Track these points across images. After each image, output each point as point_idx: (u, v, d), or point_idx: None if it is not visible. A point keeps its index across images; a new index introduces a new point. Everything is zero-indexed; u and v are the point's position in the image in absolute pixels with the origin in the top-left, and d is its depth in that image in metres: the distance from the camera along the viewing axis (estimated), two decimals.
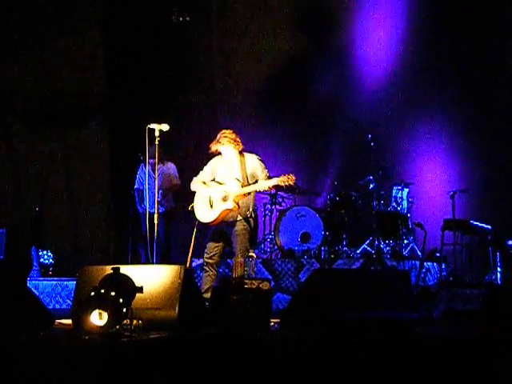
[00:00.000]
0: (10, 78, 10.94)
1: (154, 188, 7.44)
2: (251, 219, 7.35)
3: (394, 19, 11.03)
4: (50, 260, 10.18)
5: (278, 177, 7.08)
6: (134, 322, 5.54)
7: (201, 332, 5.82)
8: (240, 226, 7.27)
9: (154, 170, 7.60)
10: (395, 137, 10.82)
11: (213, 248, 7.33)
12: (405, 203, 9.84)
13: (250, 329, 5.89)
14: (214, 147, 7.33)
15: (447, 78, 10.62)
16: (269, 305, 6.31)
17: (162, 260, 8.48)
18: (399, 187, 9.85)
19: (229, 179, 7.25)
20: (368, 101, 10.98)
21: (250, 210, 7.34)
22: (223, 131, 7.30)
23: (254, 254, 7.24)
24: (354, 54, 11.25)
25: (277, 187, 7.40)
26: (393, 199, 9.84)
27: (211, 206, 7.29)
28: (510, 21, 10.34)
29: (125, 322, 5.48)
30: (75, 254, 10.84)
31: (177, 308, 5.82)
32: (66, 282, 8.88)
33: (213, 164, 7.47)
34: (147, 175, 8.83)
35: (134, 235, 9.94)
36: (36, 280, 9.22)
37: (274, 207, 10.03)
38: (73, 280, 7.58)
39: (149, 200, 8.46)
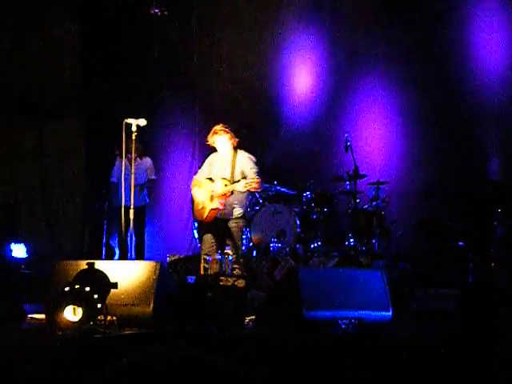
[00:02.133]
0: None
1: (130, 182, 7.41)
2: (241, 220, 7.54)
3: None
4: (24, 253, 10.09)
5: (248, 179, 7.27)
6: (109, 317, 5.52)
7: (175, 329, 5.80)
8: (233, 225, 7.48)
9: (131, 165, 7.57)
10: (371, 135, 10.85)
11: (209, 242, 7.48)
12: (380, 202, 9.87)
13: (224, 326, 5.88)
14: (210, 138, 7.52)
15: (421, 79, 10.67)
16: (244, 302, 6.32)
17: (137, 256, 8.46)
18: (374, 186, 9.89)
19: (218, 177, 7.44)
20: (344, 98, 11.04)
21: (241, 211, 7.53)
22: (219, 124, 7.52)
23: (229, 251, 7.26)
24: (333, 50, 11.28)
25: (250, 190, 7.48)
26: (368, 198, 9.88)
27: (203, 205, 7.48)
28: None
29: (99, 317, 5.46)
30: (48, 248, 10.74)
31: (151, 304, 5.80)
32: (39, 276, 8.78)
33: (209, 161, 7.69)
34: (124, 169, 8.78)
35: (108, 230, 9.89)
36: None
37: (250, 204, 10.00)
38: (46, 274, 7.50)
39: (125, 194, 8.41)
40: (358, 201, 9.74)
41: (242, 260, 7.44)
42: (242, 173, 7.43)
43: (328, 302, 6.02)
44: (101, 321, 5.47)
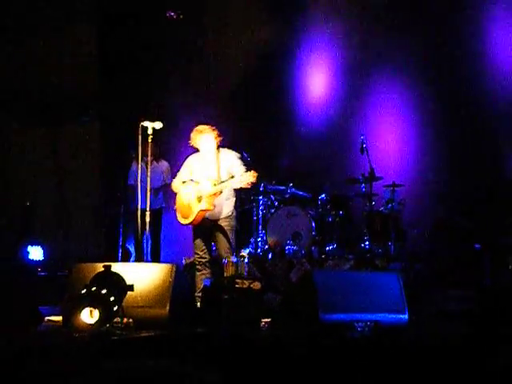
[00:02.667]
0: (0, 73, 10.88)
1: (146, 185, 7.42)
2: (232, 217, 7.37)
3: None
4: (41, 256, 10.14)
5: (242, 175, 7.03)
6: (125, 320, 5.54)
7: (191, 331, 5.81)
8: (222, 225, 7.30)
9: (147, 168, 7.59)
10: (387, 138, 10.83)
11: (201, 247, 7.35)
12: (396, 204, 9.84)
13: (240, 328, 5.89)
14: (194, 140, 7.34)
15: (438, 83, 10.64)
16: (259, 304, 6.32)
17: (153, 258, 8.48)
18: (390, 188, 9.86)
19: (203, 178, 7.24)
20: (360, 101, 11.02)
21: (230, 209, 7.37)
22: (200, 125, 7.36)
23: (245, 254, 7.24)
24: (348, 50, 11.27)
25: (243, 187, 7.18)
26: (384, 200, 9.85)
27: (189, 207, 7.28)
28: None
29: (115, 320, 5.48)
30: (65, 250, 10.79)
31: (167, 306, 5.82)
32: (56, 278, 8.82)
33: (189, 162, 7.49)
34: (139, 172, 8.80)
35: (124, 232, 9.91)
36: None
37: (265, 206, 10.01)
38: (63, 276, 7.55)
39: (141, 197, 8.43)
40: (373, 203, 9.73)
41: (251, 261, 7.35)
42: (228, 171, 7.27)
43: (344, 304, 6.02)
44: (117, 323, 5.49)
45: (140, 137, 7.12)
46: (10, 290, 6.38)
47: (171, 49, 11.48)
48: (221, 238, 7.27)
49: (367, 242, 9.51)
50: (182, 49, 11.56)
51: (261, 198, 10.02)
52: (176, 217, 7.46)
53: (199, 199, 7.17)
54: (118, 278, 5.64)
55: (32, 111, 11.09)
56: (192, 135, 7.35)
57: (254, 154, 10.16)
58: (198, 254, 7.34)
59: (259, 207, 10.06)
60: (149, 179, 7.39)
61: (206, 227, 7.31)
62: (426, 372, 4.45)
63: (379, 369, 4.58)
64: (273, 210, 9.91)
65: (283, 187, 10.17)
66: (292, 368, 4.61)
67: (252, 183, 6.99)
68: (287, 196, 10.17)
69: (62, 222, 11.20)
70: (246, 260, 7.15)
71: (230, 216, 7.36)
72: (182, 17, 11.16)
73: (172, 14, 11.26)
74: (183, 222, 7.33)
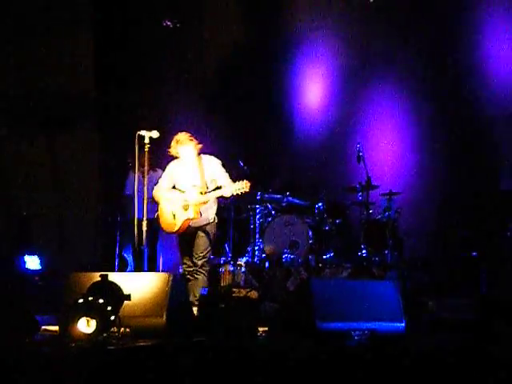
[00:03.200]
0: None
1: (143, 195, 7.41)
2: (213, 224, 7.33)
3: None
4: (38, 266, 10.12)
5: (233, 184, 7.04)
6: (122, 329, 5.52)
7: (189, 340, 5.80)
8: (203, 231, 7.25)
9: (144, 177, 7.57)
10: (384, 146, 10.84)
11: (187, 256, 7.32)
12: (392, 213, 9.85)
13: (237, 337, 5.88)
14: (173, 149, 7.27)
15: (434, 90, 10.65)
16: (256, 313, 6.31)
17: (150, 268, 8.47)
18: (387, 196, 9.87)
19: (188, 186, 7.20)
20: (356, 108, 11.04)
21: (213, 214, 7.31)
22: (179, 133, 7.28)
23: (242, 263, 7.24)
24: (345, 57, 11.30)
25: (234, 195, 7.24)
26: (381, 208, 9.86)
27: (174, 216, 7.24)
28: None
29: (113, 329, 5.47)
30: (62, 260, 10.77)
31: (165, 316, 5.81)
32: (52, 288, 8.79)
33: (170, 170, 7.44)
34: (136, 182, 8.79)
35: (121, 242, 9.90)
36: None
37: (262, 215, 10.00)
38: (60, 286, 7.52)
39: (138, 207, 8.42)
40: (370, 211, 9.74)
41: (248, 270, 7.31)
42: (211, 178, 7.24)
43: (341, 313, 6.02)
44: (114, 332, 5.47)
45: (137, 146, 7.10)
46: (6, 299, 6.37)
47: (169, 57, 11.49)
48: (198, 242, 7.22)
49: (364, 251, 9.51)
50: (181, 57, 11.58)
51: (258, 206, 10.02)
52: (158, 224, 7.40)
53: (185, 208, 7.13)
54: (115, 288, 5.62)
55: (28, 121, 11.08)
56: (171, 144, 7.29)
57: (250, 163, 10.20)
58: (186, 264, 7.32)
59: (256, 216, 10.05)
60: (145, 188, 7.37)
61: (190, 235, 7.28)
62: (422, 380, 4.45)
63: (376, 377, 4.57)
64: (270, 219, 9.91)
65: (280, 196, 10.17)
66: (289, 377, 4.60)
67: (245, 192, 6.99)
68: (284, 205, 10.17)
69: (58, 231, 11.18)
70: (243, 269, 7.15)
71: (211, 223, 7.31)
72: (178, 25, 11.18)
73: (168, 22, 11.29)
74: (168, 230, 7.30)
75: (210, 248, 7.27)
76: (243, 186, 6.92)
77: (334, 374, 4.66)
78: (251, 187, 7.07)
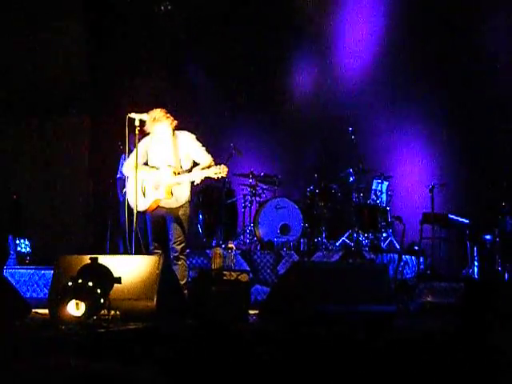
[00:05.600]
0: None
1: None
2: (187, 206, 6.99)
3: (374, 14, 11.03)
4: (28, 248, 10.10)
5: (209, 168, 6.73)
6: (112, 312, 5.52)
7: (179, 323, 5.81)
8: (176, 213, 6.89)
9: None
10: (375, 130, 10.82)
11: (156, 237, 7.00)
12: (384, 196, 9.86)
13: (228, 320, 5.89)
14: (150, 126, 6.90)
15: (425, 73, 10.61)
16: (247, 296, 6.32)
17: (141, 250, 8.43)
18: (379, 180, 9.88)
19: (162, 165, 6.89)
20: (349, 94, 10.99)
21: (186, 197, 6.96)
22: (155, 110, 6.92)
23: (233, 246, 7.22)
24: (334, 47, 11.25)
25: (209, 178, 6.89)
26: (372, 192, 9.87)
27: (143, 193, 6.93)
28: (488, 13, 10.35)
29: (102, 312, 5.46)
30: (53, 243, 10.76)
31: (155, 299, 5.80)
32: (43, 271, 8.78)
33: (144, 145, 7.05)
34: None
35: (112, 225, 9.88)
36: (13, 268, 9.14)
37: (253, 199, 10.01)
38: (50, 269, 7.51)
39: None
40: (362, 195, 9.75)
41: (239, 253, 7.14)
42: (187, 155, 6.93)
43: (332, 296, 6.03)
44: (104, 315, 5.47)
45: (127, 129, 7.04)
46: None
47: (160, 40, 11.43)
48: (175, 226, 6.86)
49: (355, 234, 9.52)
50: (172, 41, 11.52)
51: (249, 189, 10.02)
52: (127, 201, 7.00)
53: (156, 187, 6.85)
54: (105, 271, 5.62)
55: (19, 107, 11.04)
56: (147, 121, 6.91)
57: (244, 146, 10.21)
58: (154, 246, 7.00)
59: (246, 199, 10.06)
60: (136, 171, 7.32)
61: (161, 216, 6.96)
62: (413, 363, 4.46)
63: (368, 360, 4.58)
64: (261, 202, 9.91)
65: (272, 178, 10.19)
66: (280, 360, 4.60)
67: (222, 177, 6.74)
68: (276, 188, 10.19)
69: (50, 214, 11.17)
70: (233, 252, 7.14)
71: (185, 204, 6.96)
72: (169, 8, 11.11)
73: (161, 5, 11.23)
74: (136, 208, 6.84)
75: (186, 231, 6.92)
76: (220, 171, 6.63)
77: (325, 357, 4.67)
78: (227, 173, 6.76)
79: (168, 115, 6.94)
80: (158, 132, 6.94)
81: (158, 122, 6.89)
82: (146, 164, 7.04)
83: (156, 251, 6.95)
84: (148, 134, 7.00)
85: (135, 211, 6.87)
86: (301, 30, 11.22)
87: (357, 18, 11.16)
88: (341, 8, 11.21)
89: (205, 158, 6.93)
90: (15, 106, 11.02)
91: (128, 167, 7.06)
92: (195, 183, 6.88)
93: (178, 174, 6.84)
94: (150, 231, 7.05)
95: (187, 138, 7.01)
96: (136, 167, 6.84)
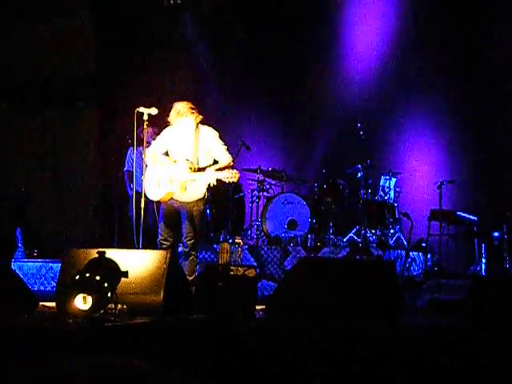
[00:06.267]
0: None
1: (143, 171, 7.36)
2: (201, 203, 6.95)
3: (383, 13, 10.99)
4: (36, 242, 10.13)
5: (223, 170, 6.68)
6: (119, 306, 5.51)
7: (186, 318, 5.81)
8: (190, 209, 6.86)
9: (143, 154, 7.53)
10: (384, 126, 10.81)
11: (166, 229, 6.97)
12: (392, 193, 9.85)
13: (234, 315, 5.88)
14: (173, 119, 6.83)
15: (433, 72, 10.59)
16: (254, 292, 6.30)
17: (148, 244, 8.44)
18: (387, 177, 9.86)
19: (180, 159, 6.83)
20: (358, 90, 10.96)
21: (201, 193, 6.91)
22: (180, 102, 6.85)
23: (240, 241, 7.20)
24: (344, 44, 11.22)
25: (220, 181, 6.80)
26: (380, 188, 9.86)
27: (158, 184, 6.88)
28: (499, 14, 10.31)
29: (109, 306, 5.46)
30: (61, 236, 10.79)
31: (162, 293, 5.79)
32: (50, 264, 8.81)
33: (165, 136, 7.02)
34: (135, 158, 8.79)
35: (120, 218, 9.90)
36: (20, 261, 9.17)
37: (261, 194, 10.01)
38: (58, 262, 7.53)
39: (137, 183, 8.43)
40: (369, 191, 9.73)
41: (247, 248, 7.10)
42: (207, 152, 6.86)
43: (339, 292, 6.02)
44: (111, 309, 5.46)
45: (135, 123, 7.03)
46: (4, 275, 6.37)
47: (171, 34, 11.42)
48: (186, 222, 6.85)
49: (363, 230, 9.51)
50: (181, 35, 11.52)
51: (257, 184, 10.01)
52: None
53: (171, 180, 6.81)
54: (113, 264, 5.61)
55: (29, 97, 11.05)
56: (171, 114, 6.84)
57: (252, 141, 10.20)
58: (163, 237, 6.96)
59: (254, 194, 10.06)
60: (144, 165, 7.33)
61: (174, 209, 6.92)
62: (420, 360, 4.45)
63: (375, 355, 4.57)
64: (268, 197, 9.91)
65: (279, 174, 10.18)
66: (286, 356, 4.60)
67: (232, 182, 6.70)
68: (283, 183, 10.19)
69: (57, 207, 11.19)
70: (240, 247, 7.12)
71: (198, 201, 6.90)
72: (179, 1, 11.10)
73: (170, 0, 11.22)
74: (149, 197, 6.89)
75: (197, 227, 6.89)
76: (232, 176, 6.57)
77: (330, 352, 4.66)
78: (239, 178, 6.72)
79: (193, 110, 6.86)
80: (180, 125, 6.87)
81: (183, 116, 6.82)
82: (166, 154, 7.00)
83: (163, 243, 6.95)
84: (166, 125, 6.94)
85: (142, 204, 6.89)
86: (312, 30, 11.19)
87: (367, 17, 11.12)
88: (352, 8, 11.16)
89: (225, 157, 6.92)
90: (23, 99, 11.04)
91: (150, 155, 7.01)
92: (211, 184, 6.82)
93: (194, 170, 6.80)
94: (160, 221, 7.02)
95: (210, 135, 6.94)
96: (153, 157, 6.86)
